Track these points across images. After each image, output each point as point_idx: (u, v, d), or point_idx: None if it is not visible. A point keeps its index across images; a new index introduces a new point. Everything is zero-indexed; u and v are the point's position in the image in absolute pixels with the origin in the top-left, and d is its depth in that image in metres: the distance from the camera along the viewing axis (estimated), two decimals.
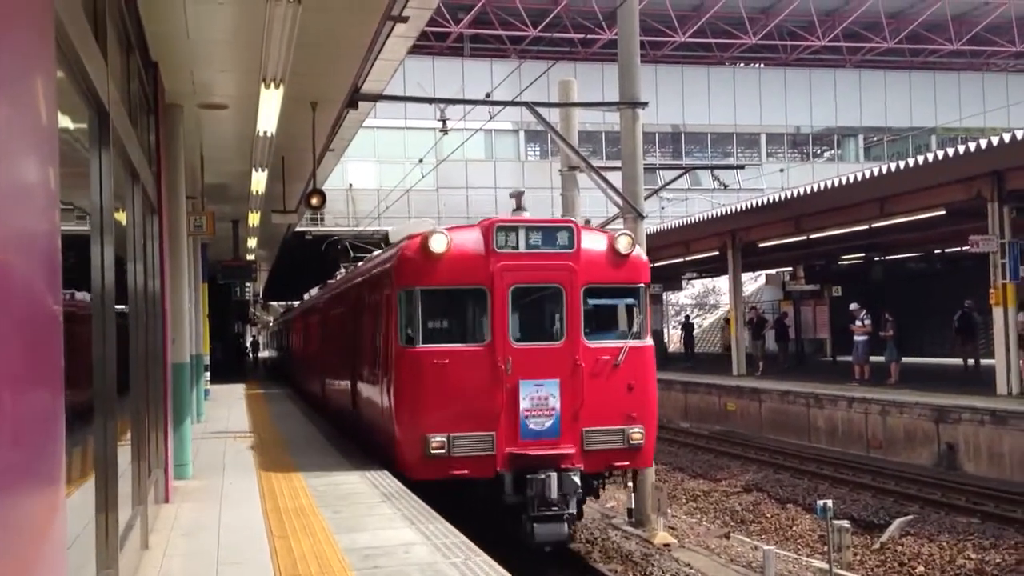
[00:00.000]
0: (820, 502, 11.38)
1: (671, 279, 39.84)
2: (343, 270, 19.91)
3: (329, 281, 21.43)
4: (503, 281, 10.44)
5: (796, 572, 11.61)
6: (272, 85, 9.48)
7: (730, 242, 26.74)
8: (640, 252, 11.37)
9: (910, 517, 13.34)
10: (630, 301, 11.36)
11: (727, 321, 32.23)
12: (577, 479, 10.14)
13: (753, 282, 44.80)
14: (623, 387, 10.68)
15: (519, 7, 42.14)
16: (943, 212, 19.50)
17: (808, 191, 20.50)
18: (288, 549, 7.10)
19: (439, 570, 6.39)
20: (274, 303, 67.31)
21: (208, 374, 21.73)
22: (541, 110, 16.34)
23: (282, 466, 11.57)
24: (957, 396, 17.64)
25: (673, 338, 46.34)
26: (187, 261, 12.16)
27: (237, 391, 26.14)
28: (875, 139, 50.25)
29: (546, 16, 42.37)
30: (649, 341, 11.32)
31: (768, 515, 14.75)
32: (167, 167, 10.22)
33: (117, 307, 5.34)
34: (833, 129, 49.81)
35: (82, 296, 4.45)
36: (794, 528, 13.93)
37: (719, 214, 24.59)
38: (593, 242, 11.00)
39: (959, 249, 25.20)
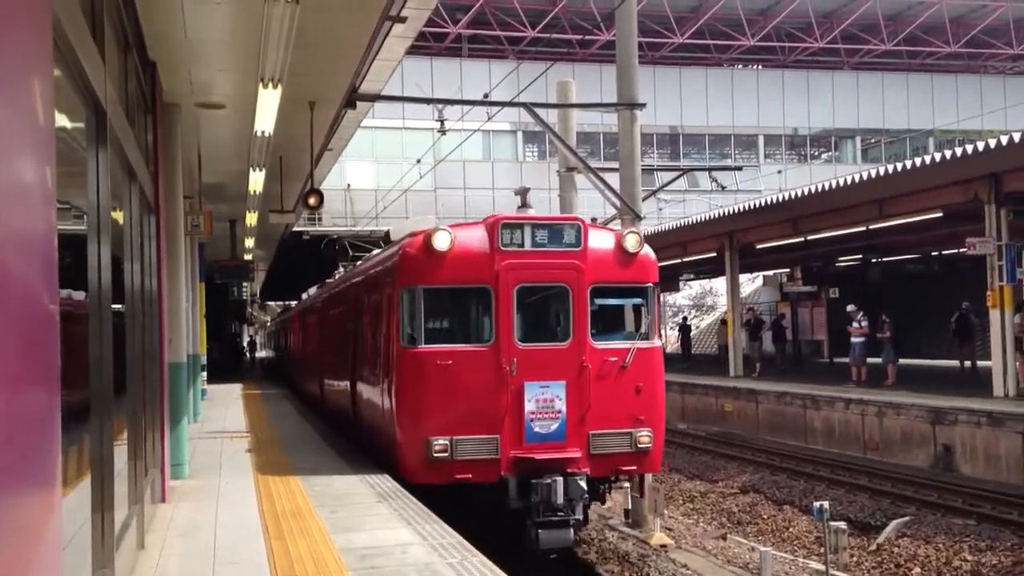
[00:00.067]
0: (817, 503, 11.41)
1: (668, 280, 39.83)
2: (342, 269, 19.85)
3: (328, 280, 21.34)
4: (508, 280, 10.19)
5: (792, 573, 11.61)
6: (270, 85, 9.47)
7: (728, 243, 26.75)
8: (648, 251, 11.05)
9: (906, 519, 13.35)
10: (638, 301, 11.13)
11: (723, 322, 32.24)
12: (583, 484, 9.93)
13: (751, 283, 44.85)
14: (631, 389, 10.43)
15: (517, 8, 42.16)
16: (940, 214, 19.51)
17: (805, 193, 20.51)
18: (285, 549, 7.09)
19: (436, 570, 6.39)
20: (271, 303, 67.32)
21: (205, 374, 21.71)
22: (539, 111, 16.34)
23: (279, 466, 11.56)
24: (954, 398, 17.65)
25: (670, 339, 46.39)
26: (184, 261, 12.14)
27: (234, 391, 26.12)
28: (873, 141, 50.33)
29: (544, 17, 42.39)
30: (658, 342, 11.11)
31: (765, 516, 14.77)
32: (165, 166, 10.21)
33: (114, 306, 5.34)
34: (831, 131, 49.90)
35: (79, 295, 4.45)
36: (791, 529, 13.94)
37: (717, 215, 24.60)
38: (600, 240, 10.74)
39: (956, 251, 25.24)
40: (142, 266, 7.57)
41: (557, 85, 18.19)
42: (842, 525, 11.71)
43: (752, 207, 22.85)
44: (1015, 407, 15.94)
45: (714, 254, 28.04)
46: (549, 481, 9.65)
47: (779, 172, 41.22)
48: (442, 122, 15.34)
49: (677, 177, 27.06)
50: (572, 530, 9.92)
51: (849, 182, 18.60)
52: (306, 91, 11.24)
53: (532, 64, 33.92)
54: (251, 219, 19.82)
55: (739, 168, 40.60)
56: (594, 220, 13.58)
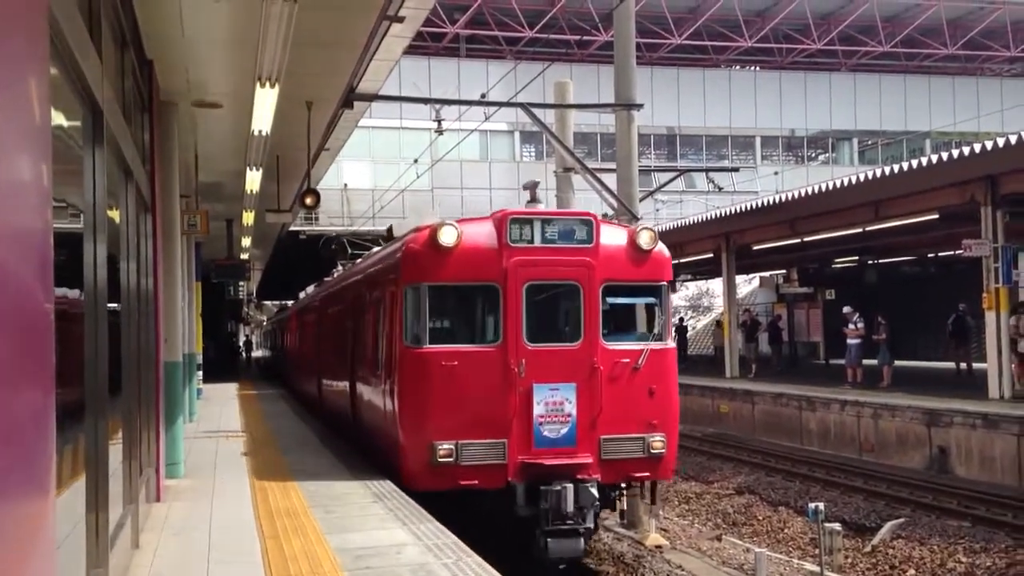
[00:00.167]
0: (812, 505, 11.42)
1: None
2: (340, 267, 19.75)
3: (327, 278, 21.24)
4: (517, 277, 9.79)
5: (787, 575, 11.62)
6: (267, 84, 9.45)
7: (724, 244, 26.78)
8: (662, 247, 10.55)
9: (901, 520, 13.37)
10: (651, 300, 10.66)
11: (718, 323, 32.27)
12: (595, 491, 9.52)
13: (747, 284, 44.89)
14: (644, 392, 10.02)
15: (515, 8, 42.17)
16: (937, 216, 19.54)
17: (802, 194, 20.55)
18: (279, 549, 7.08)
19: (430, 571, 6.38)
20: (268, 302, 67.27)
21: (201, 373, 21.69)
22: (537, 111, 16.33)
23: (274, 465, 11.56)
24: (949, 400, 17.68)
25: None
26: (180, 260, 12.15)
27: (230, 390, 26.10)
28: (870, 143, 50.38)
29: (542, 17, 42.40)
30: (671, 343, 10.71)
31: (760, 517, 14.78)
32: (161, 165, 10.19)
33: (110, 305, 5.33)
34: (828, 132, 49.95)
35: (75, 294, 4.44)
36: (786, 531, 13.96)
37: (713, 216, 24.63)
38: (613, 237, 10.34)
39: (953, 253, 25.30)
40: (138, 265, 7.56)
41: (555, 85, 18.19)
42: (837, 527, 11.71)
43: (749, 208, 22.88)
44: (1010, 409, 15.97)
45: (711, 255, 28.08)
46: (559, 488, 9.26)
47: (776, 173, 41.19)
48: (439, 122, 15.35)
49: (674, 178, 27.06)
50: (582, 539, 9.52)
51: (846, 184, 18.63)
52: (304, 90, 11.23)
53: (530, 64, 33.90)
54: (248, 218, 19.80)
55: (736, 169, 40.52)
56: (605, 216, 13.10)
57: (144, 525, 7.80)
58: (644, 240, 10.29)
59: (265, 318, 66.31)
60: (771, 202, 21.92)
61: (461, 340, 10.12)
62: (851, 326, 22.40)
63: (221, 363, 37.66)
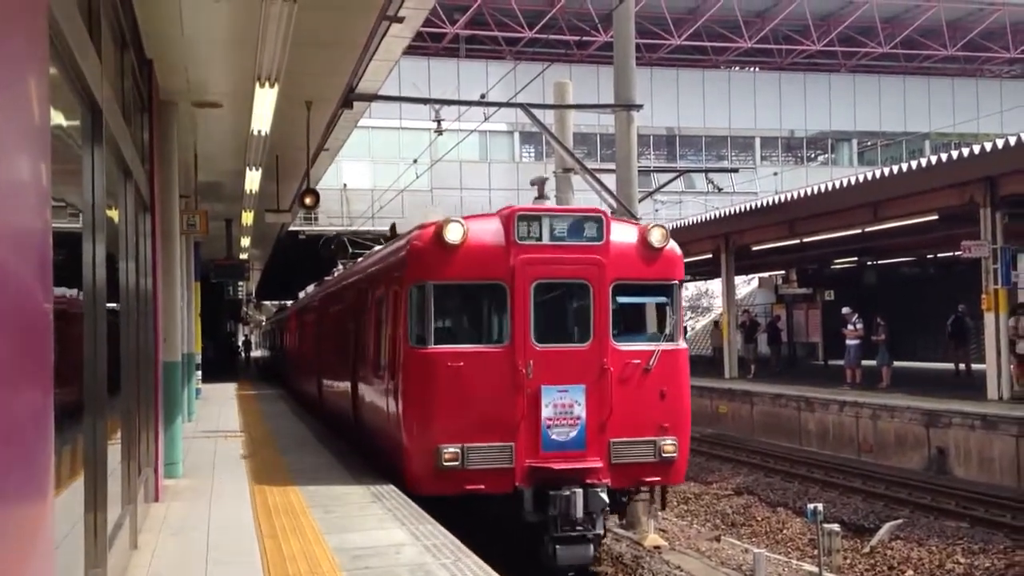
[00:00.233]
0: (810, 505, 11.41)
1: None
2: (340, 267, 19.69)
3: (327, 277, 21.17)
4: (525, 276, 9.50)
5: (786, 575, 11.63)
6: (267, 84, 9.45)
7: (723, 245, 26.79)
8: (674, 245, 10.26)
9: (900, 521, 13.37)
10: (663, 299, 10.40)
11: (716, 324, 32.28)
12: (605, 496, 9.24)
13: (746, 285, 44.91)
14: (655, 394, 9.77)
15: (515, 9, 42.17)
16: (936, 217, 19.55)
17: (802, 195, 20.55)
18: (278, 549, 7.08)
19: (429, 571, 6.38)
20: (267, 302, 67.27)
21: (200, 373, 21.68)
22: (536, 112, 16.34)
23: (273, 466, 11.55)
24: (948, 400, 17.68)
25: None
26: (180, 259, 12.15)
27: (229, 390, 26.09)
28: (869, 144, 50.41)
29: (542, 18, 42.42)
30: (683, 344, 10.42)
31: (759, 518, 14.79)
32: (160, 165, 10.20)
33: (109, 305, 5.33)
34: (827, 133, 49.97)
35: (74, 294, 4.44)
36: (784, 531, 13.96)
37: (713, 217, 24.63)
38: (623, 234, 10.04)
39: (952, 254, 25.30)
40: (137, 265, 7.56)
41: (554, 86, 18.20)
42: (835, 527, 11.72)
43: (748, 209, 22.89)
44: (1009, 410, 15.98)
45: (710, 256, 28.08)
46: (568, 493, 9.00)
47: (775, 174, 41.20)
48: (439, 122, 15.36)
49: (673, 179, 27.07)
50: (591, 546, 9.27)
51: (845, 184, 18.63)
52: (303, 90, 11.23)
53: (529, 65, 33.91)
54: (247, 218, 19.80)
55: (735, 170, 40.59)
56: (613, 212, 12.87)
57: (142, 525, 7.79)
58: (655, 237, 10.02)
59: (264, 318, 66.30)
60: (770, 203, 21.93)
61: (467, 340, 9.87)
62: (850, 327, 22.41)
63: (220, 363, 37.68)
